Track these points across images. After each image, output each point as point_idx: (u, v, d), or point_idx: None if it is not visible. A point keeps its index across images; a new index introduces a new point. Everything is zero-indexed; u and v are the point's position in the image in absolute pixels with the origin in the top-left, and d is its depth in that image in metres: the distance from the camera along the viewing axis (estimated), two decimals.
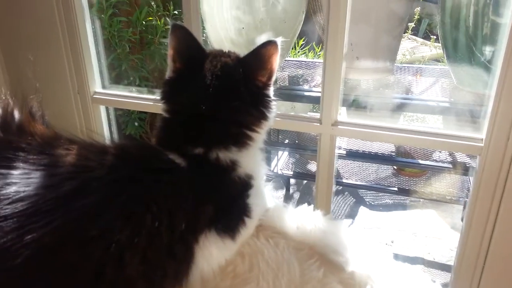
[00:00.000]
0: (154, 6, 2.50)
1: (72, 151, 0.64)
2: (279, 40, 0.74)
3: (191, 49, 0.78)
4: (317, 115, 1.07)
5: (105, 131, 1.30)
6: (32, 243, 0.54)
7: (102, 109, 1.29)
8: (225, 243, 0.73)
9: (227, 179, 0.74)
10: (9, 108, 0.68)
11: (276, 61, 0.77)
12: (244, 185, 0.77)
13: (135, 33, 2.40)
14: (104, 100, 1.24)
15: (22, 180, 0.58)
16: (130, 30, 2.38)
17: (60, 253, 0.56)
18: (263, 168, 0.84)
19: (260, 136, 0.79)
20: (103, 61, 1.29)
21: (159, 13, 2.53)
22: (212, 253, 0.72)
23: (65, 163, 0.63)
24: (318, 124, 1.06)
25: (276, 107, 0.81)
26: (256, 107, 0.77)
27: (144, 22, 2.45)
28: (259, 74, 0.77)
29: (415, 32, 2.99)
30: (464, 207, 2.24)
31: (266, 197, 0.85)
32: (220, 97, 0.74)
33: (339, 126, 1.05)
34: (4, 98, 0.69)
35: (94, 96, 1.24)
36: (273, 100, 0.80)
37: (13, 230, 0.54)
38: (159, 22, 2.48)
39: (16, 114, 0.69)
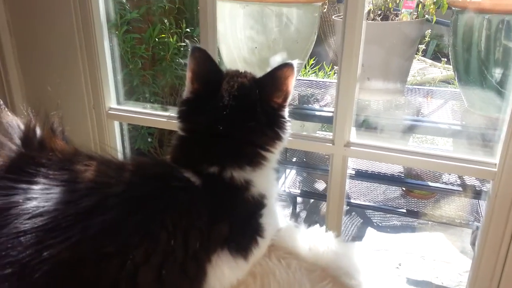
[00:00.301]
0: (167, 23, 2.55)
1: (90, 167, 0.65)
2: (295, 63, 0.75)
3: (209, 70, 0.79)
4: (330, 136, 1.08)
5: (118, 144, 1.31)
6: (51, 259, 0.54)
7: (116, 124, 1.30)
8: (237, 263, 0.73)
9: (241, 198, 0.74)
10: (31, 124, 0.70)
11: (292, 83, 0.77)
12: (258, 205, 0.77)
13: (147, 49, 2.44)
14: (119, 116, 1.26)
15: (42, 196, 0.59)
16: (143, 46, 2.42)
17: (78, 268, 0.57)
18: (276, 187, 0.84)
19: (274, 156, 0.80)
20: (119, 78, 1.32)
21: (171, 31, 2.57)
22: (224, 272, 0.72)
23: (84, 179, 0.63)
24: (331, 144, 1.07)
25: (291, 128, 0.81)
26: (271, 127, 0.78)
27: (156, 39, 2.49)
28: (275, 96, 0.77)
29: (424, 53, 3.01)
30: (473, 231, 2.21)
31: (279, 217, 0.85)
32: (237, 117, 0.75)
33: (351, 147, 1.05)
34: (26, 114, 0.71)
35: (109, 111, 1.26)
36: (288, 121, 0.80)
37: (32, 245, 0.55)
38: (171, 39, 2.52)
39: (38, 130, 0.70)
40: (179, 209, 0.66)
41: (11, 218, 0.57)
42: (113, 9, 2.18)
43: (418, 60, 2.92)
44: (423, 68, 2.89)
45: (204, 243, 0.68)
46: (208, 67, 0.78)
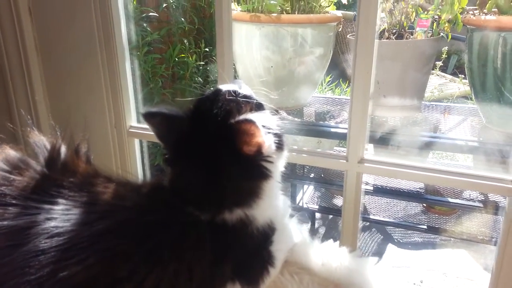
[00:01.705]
0: (187, 43, 2.63)
1: (109, 189, 0.67)
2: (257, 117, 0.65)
3: (170, 130, 0.73)
4: (344, 152, 1.09)
5: (138, 162, 1.35)
6: (65, 280, 0.55)
7: (136, 141, 1.35)
8: None
9: (243, 235, 0.71)
10: (57, 145, 0.72)
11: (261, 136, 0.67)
12: (265, 235, 0.74)
13: (167, 68, 2.51)
14: (139, 134, 1.31)
15: (62, 216, 0.61)
16: (163, 66, 2.50)
17: None
18: (284, 205, 0.82)
19: (268, 186, 0.72)
20: (139, 97, 1.37)
21: (190, 50, 2.65)
22: None
23: (101, 202, 0.65)
24: (345, 161, 1.08)
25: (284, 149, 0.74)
26: (251, 176, 0.70)
27: (176, 59, 2.57)
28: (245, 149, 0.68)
29: (444, 68, 2.99)
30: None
31: (291, 236, 0.84)
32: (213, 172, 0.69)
33: (365, 164, 1.06)
34: (53, 134, 0.74)
35: (129, 130, 1.30)
36: (271, 156, 0.70)
37: (49, 264, 0.56)
38: (190, 59, 2.60)
39: (63, 152, 0.72)
40: (187, 243, 0.65)
41: (31, 237, 0.58)
42: (134, 32, 2.27)
43: (438, 75, 2.90)
44: (443, 83, 2.86)
45: (207, 280, 0.67)
46: (168, 125, 0.74)
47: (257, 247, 0.74)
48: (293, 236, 0.85)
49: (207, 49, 2.66)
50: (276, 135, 0.70)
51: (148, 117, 0.74)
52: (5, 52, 1.28)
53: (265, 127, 0.67)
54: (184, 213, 0.67)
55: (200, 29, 2.74)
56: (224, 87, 0.75)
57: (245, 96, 0.74)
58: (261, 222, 0.72)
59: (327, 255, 0.84)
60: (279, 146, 0.71)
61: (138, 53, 2.35)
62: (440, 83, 2.79)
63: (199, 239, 0.66)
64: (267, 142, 0.67)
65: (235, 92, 0.74)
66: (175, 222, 0.66)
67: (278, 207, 0.78)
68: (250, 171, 0.69)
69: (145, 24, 2.43)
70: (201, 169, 0.69)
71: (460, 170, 1.01)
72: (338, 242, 0.90)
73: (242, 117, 0.64)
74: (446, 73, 3.10)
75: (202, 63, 2.67)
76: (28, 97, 1.32)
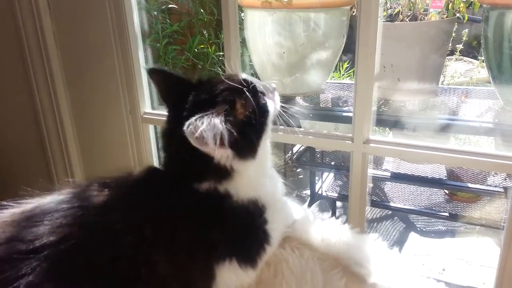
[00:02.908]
0: (206, 34, 2.66)
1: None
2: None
3: (171, 89, 0.79)
4: (349, 134, 1.10)
5: (153, 147, 1.41)
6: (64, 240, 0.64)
7: (151, 128, 1.40)
8: (246, 272, 0.77)
9: (227, 207, 0.75)
10: None
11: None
12: (253, 212, 0.77)
13: (188, 60, 2.56)
14: (154, 120, 1.36)
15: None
16: (183, 57, 2.55)
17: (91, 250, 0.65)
18: (275, 184, 0.85)
19: (243, 167, 0.75)
20: (152, 85, 1.41)
21: (210, 41, 2.68)
22: (233, 279, 0.76)
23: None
24: (350, 142, 1.09)
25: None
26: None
27: (196, 50, 2.61)
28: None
29: (474, 52, 2.90)
30: None
31: (288, 214, 0.87)
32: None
33: (371, 144, 1.07)
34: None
35: (144, 116, 1.36)
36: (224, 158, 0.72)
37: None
38: (210, 50, 2.63)
39: None
40: (170, 216, 0.71)
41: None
42: (154, 23, 2.32)
43: (465, 61, 2.82)
44: (470, 69, 2.78)
45: (195, 253, 0.72)
46: (169, 85, 0.79)
47: (249, 224, 0.77)
48: (291, 213, 0.88)
49: None
50: (229, 134, 0.68)
51: (151, 72, 0.79)
52: (27, 46, 1.36)
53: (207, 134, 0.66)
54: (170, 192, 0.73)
55: (219, 20, 2.76)
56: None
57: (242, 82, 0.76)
58: (244, 198, 0.76)
59: (327, 231, 0.86)
60: (233, 145, 0.70)
61: (158, 44, 2.41)
62: (467, 69, 2.71)
63: (181, 211, 0.72)
64: (213, 150, 0.69)
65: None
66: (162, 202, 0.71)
67: (263, 185, 0.80)
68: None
69: (164, 16, 2.48)
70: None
71: (469, 149, 1.00)
72: (340, 219, 0.91)
73: (188, 128, 0.65)
74: (474, 59, 3.00)
75: (221, 53, 2.70)
76: (49, 88, 1.39)
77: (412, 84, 1.62)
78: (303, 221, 0.89)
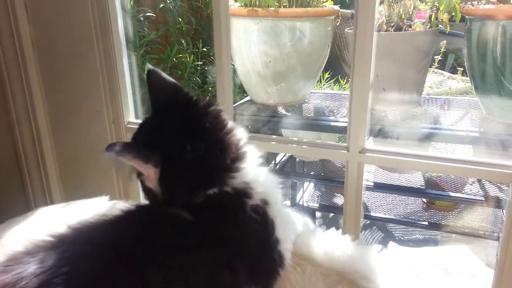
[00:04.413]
0: (184, 44, 2.62)
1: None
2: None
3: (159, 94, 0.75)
4: (345, 143, 1.09)
5: None
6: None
7: None
8: None
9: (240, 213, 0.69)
10: None
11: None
12: (264, 215, 0.71)
13: (165, 69, 2.50)
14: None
15: None
16: (161, 66, 2.49)
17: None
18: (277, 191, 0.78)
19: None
20: (137, 93, 1.36)
21: (188, 51, 2.64)
22: None
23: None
24: (346, 151, 1.07)
25: None
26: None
27: (174, 59, 2.56)
28: None
29: (442, 66, 2.99)
30: (499, 244, 2.15)
31: (294, 228, 0.83)
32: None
33: (366, 154, 1.06)
34: None
35: (128, 125, 1.29)
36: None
37: None
38: (188, 59, 2.59)
39: None
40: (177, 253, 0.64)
41: None
42: (131, 29, 2.26)
43: (436, 73, 2.90)
44: (441, 80, 2.86)
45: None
46: (158, 90, 0.75)
47: (265, 245, 0.71)
48: (296, 227, 0.84)
49: (204, 49, 2.66)
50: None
51: (150, 72, 0.75)
52: (1, 49, 1.27)
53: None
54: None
55: (197, 30, 2.74)
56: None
57: None
58: (259, 198, 0.71)
59: (329, 244, 0.83)
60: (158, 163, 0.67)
61: (135, 53, 2.35)
62: (439, 80, 2.78)
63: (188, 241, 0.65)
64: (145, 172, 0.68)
65: None
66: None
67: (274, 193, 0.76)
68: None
69: (142, 25, 2.43)
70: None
71: (463, 158, 1.00)
72: (340, 230, 0.89)
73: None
74: (444, 71, 3.10)
75: (200, 63, 2.67)
76: (24, 93, 1.31)
77: (396, 94, 1.63)
78: (304, 233, 0.86)
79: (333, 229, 0.89)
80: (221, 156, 0.69)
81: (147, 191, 0.71)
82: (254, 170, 0.73)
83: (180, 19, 2.67)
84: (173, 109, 0.71)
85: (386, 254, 0.82)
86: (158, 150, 0.65)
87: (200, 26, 2.78)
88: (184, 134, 0.68)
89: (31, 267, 0.57)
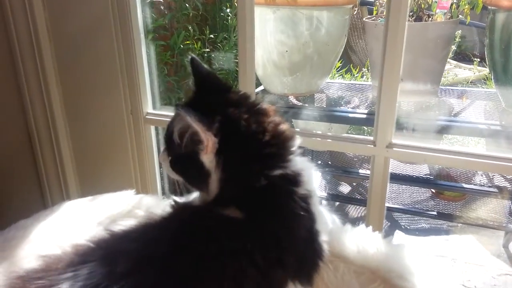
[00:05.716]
0: (191, 30, 2.58)
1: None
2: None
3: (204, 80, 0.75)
4: (370, 137, 1.07)
5: (154, 150, 1.32)
6: None
7: (152, 128, 1.31)
8: None
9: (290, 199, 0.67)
10: None
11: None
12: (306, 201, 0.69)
13: (172, 56, 2.46)
14: (156, 120, 1.27)
15: None
16: (168, 53, 2.45)
17: None
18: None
19: None
20: (155, 83, 1.33)
21: (195, 37, 2.59)
22: None
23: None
24: (372, 146, 1.06)
25: None
26: None
27: (181, 46, 2.52)
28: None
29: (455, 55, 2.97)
30: (506, 233, 2.16)
31: (327, 223, 0.81)
32: None
33: (394, 148, 1.04)
34: None
35: (146, 116, 1.27)
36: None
37: None
38: (195, 46, 2.55)
39: None
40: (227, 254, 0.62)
41: None
42: (149, 16, 2.22)
43: (448, 62, 2.88)
44: (448, 69, 2.84)
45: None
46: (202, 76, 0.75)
47: (309, 231, 0.70)
48: (327, 222, 0.83)
49: (211, 36, 2.61)
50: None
51: (192, 60, 0.75)
52: (16, 37, 1.23)
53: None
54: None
55: (204, 16, 2.68)
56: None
57: None
58: (305, 188, 0.69)
59: (362, 242, 0.82)
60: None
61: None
62: (446, 68, 2.76)
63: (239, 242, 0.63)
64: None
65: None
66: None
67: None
68: None
69: (149, 10, 2.38)
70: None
71: (491, 154, 0.98)
72: (370, 227, 0.87)
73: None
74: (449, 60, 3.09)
75: (207, 50, 2.62)
76: (40, 85, 1.28)
77: (415, 84, 1.61)
78: (335, 230, 0.84)
79: (363, 225, 0.88)
80: (279, 135, 0.69)
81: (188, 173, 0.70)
82: (300, 159, 0.71)
83: (187, 5, 2.61)
84: (218, 93, 0.72)
85: (419, 251, 0.81)
86: (217, 123, 0.64)
87: (205, 12, 2.72)
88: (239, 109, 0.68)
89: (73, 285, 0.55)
